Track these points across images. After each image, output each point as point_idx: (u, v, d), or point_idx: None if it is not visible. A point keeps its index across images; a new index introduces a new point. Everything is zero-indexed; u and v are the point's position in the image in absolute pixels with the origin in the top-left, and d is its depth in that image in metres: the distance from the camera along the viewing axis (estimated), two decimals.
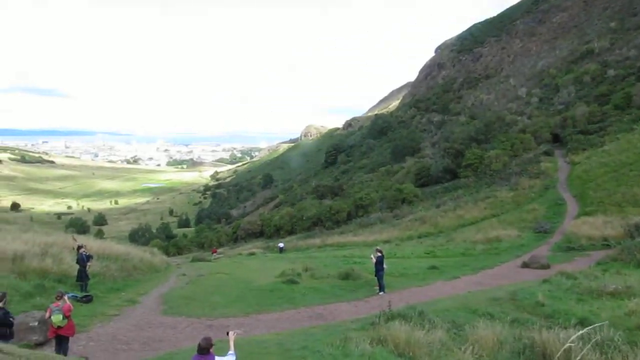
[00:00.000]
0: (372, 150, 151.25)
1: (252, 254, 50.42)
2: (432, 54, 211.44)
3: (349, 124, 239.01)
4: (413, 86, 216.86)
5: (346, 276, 25.17)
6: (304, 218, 77.71)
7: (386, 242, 46.29)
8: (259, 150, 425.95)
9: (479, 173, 72.94)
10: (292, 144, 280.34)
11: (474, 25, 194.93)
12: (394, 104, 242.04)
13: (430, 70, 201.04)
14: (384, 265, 22.33)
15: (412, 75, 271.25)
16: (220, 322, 17.21)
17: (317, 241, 56.47)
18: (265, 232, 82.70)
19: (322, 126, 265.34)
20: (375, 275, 22.52)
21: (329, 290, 23.01)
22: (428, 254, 36.01)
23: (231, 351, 7.96)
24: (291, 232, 76.68)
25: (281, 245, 54.03)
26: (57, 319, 12.06)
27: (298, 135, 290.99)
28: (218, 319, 17.70)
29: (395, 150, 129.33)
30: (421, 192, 76.97)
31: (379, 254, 22.40)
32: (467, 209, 53.43)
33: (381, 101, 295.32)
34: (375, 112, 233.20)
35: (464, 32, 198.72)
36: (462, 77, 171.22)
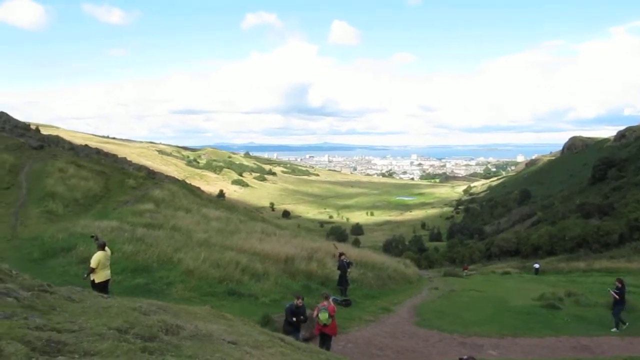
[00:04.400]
0: None
1: (507, 273, 47.96)
2: None
3: (622, 135, 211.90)
4: None
5: None
6: (566, 238, 71.16)
7: None
8: (516, 164, 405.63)
9: None
10: (553, 158, 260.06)
11: None
12: None
13: None
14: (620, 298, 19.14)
15: None
16: (473, 340, 16.71)
17: (581, 265, 51.17)
18: (521, 251, 77.94)
19: (588, 138, 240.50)
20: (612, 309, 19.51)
21: (597, 320, 20.57)
22: None
23: None
24: (550, 253, 70.85)
25: (537, 266, 50.30)
26: (323, 316, 13.19)
27: (560, 148, 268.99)
28: (471, 337, 17.20)
29: None
30: None
31: (619, 286, 19.32)
32: None
33: None
34: None
35: None
36: None
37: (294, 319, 13.18)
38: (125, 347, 4.34)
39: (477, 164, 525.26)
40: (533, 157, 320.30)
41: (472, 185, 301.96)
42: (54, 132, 70.94)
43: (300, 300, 13.35)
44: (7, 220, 27.14)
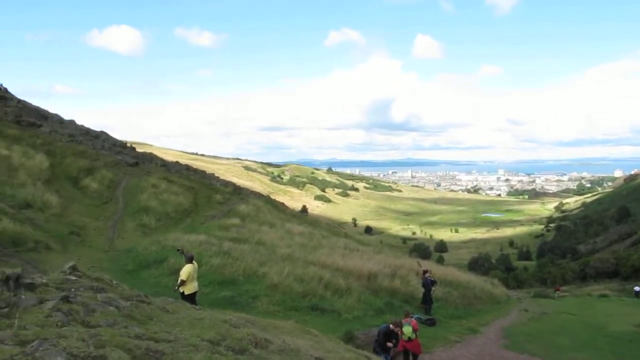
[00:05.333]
0: None
1: (604, 295, 45.06)
2: None
3: None
4: None
5: None
6: None
7: None
8: (613, 179, 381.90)
9: None
10: None
11: None
12: None
13: None
14: None
15: None
16: None
17: None
18: (620, 273, 73.07)
19: None
20: None
21: None
22: None
23: None
24: None
25: (637, 289, 46.93)
26: (408, 330, 13.00)
27: None
28: None
29: None
30: None
31: None
32: None
33: None
34: None
35: None
36: None
37: (387, 342, 13.07)
38: (217, 358, 4.47)
39: (570, 180, 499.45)
40: (633, 172, 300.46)
41: (564, 201, 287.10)
42: (147, 150, 74.99)
43: (397, 329, 13.13)
44: (106, 233, 28.86)
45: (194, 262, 14.91)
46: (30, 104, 50.18)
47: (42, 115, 48.53)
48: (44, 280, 6.50)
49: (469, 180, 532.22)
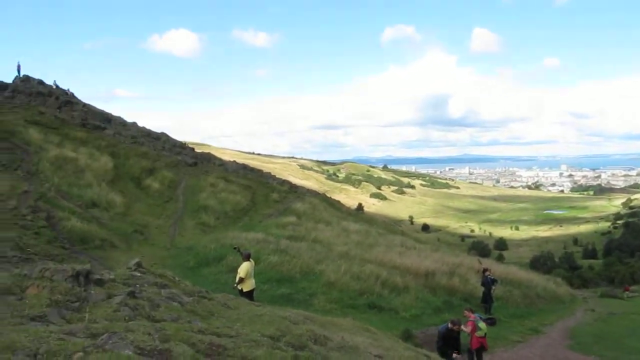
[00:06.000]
0: None
1: None
2: None
3: None
4: None
5: None
6: None
7: None
8: None
9: None
10: None
11: None
12: None
13: None
14: None
15: None
16: None
17: None
18: None
19: None
20: None
21: None
22: None
23: None
24: None
25: None
26: (483, 326, 12.69)
27: None
28: None
29: None
30: None
31: None
32: None
33: None
34: None
35: None
36: None
37: (453, 353, 12.05)
38: (278, 354, 4.52)
39: (639, 174, 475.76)
40: None
41: (632, 197, 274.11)
42: (205, 150, 76.62)
43: (456, 326, 12.13)
44: (167, 231, 29.76)
45: (251, 259, 15.11)
46: (95, 108, 52.27)
47: (106, 118, 50.43)
48: (111, 276, 6.76)
49: (530, 177, 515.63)
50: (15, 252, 16.38)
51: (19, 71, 48.92)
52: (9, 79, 48.49)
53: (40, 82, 49.14)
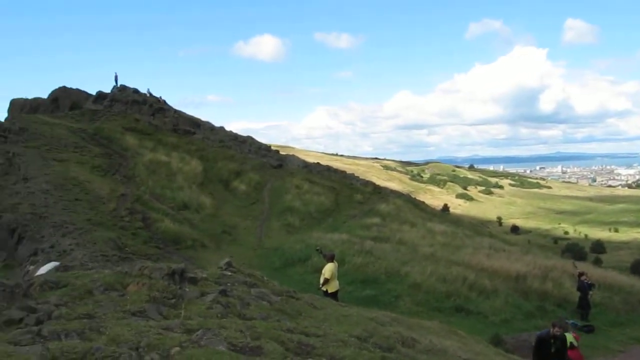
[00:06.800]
0: None
1: None
2: None
3: None
4: None
5: None
6: None
7: None
8: None
9: None
10: None
11: None
12: None
13: None
14: None
15: None
16: None
17: None
18: None
19: None
20: None
21: None
22: None
23: None
24: None
25: None
26: (568, 337, 11.81)
27: None
28: None
29: None
30: None
31: None
32: None
33: None
34: None
35: None
36: None
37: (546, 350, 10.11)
38: (366, 355, 4.53)
39: None
40: None
41: None
42: (290, 152, 78.05)
43: (556, 329, 10.15)
44: (254, 232, 30.59)
45: (335, 260, 15.19)
46: (185, 114, 54.60)
47: (195, 124, 52.56)
48: (204, 275, 7.05)
49: (630, 175, 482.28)
50: (115, 251, 17.47)
51: (116, 81, 52.04)
52: (107, 88, 51.84)
53: (136, 91, 51.98)
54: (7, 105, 53.34)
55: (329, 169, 55.94)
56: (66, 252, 16.46)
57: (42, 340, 4.10)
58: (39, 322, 4.78)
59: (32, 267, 14.67)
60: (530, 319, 19.11)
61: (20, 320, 4.86)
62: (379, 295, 18.98)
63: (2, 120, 39.86)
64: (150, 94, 52.94)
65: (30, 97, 52.93)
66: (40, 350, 3.70)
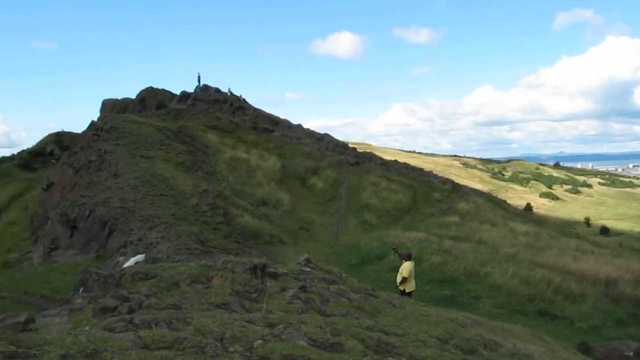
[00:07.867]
0: None
1: None
2: None
3: None
4: None
5: None
6: None
7: None
8: None
9: None
10: None
11: None
12: None
13: None
14: None
15: None
16: None
17: None
18: None
19: None
20: None
21: None
22: None
23: None
24: None
25: None
26: None
27: None
28: None
29: None
30: None
31: None
32: None
33: None
34: None
35: None
36: None
37: None
38: (447, 357, 4.45)
39: None
40: None
41: None
42: (367, 149, 77.67)
43: None
44: (331, 229, 30.78)
45: (412, 259, 14.98)
46: (264, 112, 55.73)
47: (274, 121, 53.52)
48: (284, 271, 7.18)
49: None
50: (197, 245, 18.14)
51: (199, 81, 53.99)
52: (190, 88, 53.90)
53: (217, 90, 53.66)
54: (99, 105, 56.82)
55: (406, 166, 55.28)
56: (152, 244, 17.29)
57: (134, 328, 4.34)
58: (131, 311, 5.06)
59: (121, 259, 15.54)
60: (621, 326, 18.08)
61: (114, 308, 5.18)
62: (457, 295, 18.59)
63: (96, 119, 42.49)
64: (231, 93, 54.45)
65: (119, 97, 56.11)
66: (133, 337, 3.91)
